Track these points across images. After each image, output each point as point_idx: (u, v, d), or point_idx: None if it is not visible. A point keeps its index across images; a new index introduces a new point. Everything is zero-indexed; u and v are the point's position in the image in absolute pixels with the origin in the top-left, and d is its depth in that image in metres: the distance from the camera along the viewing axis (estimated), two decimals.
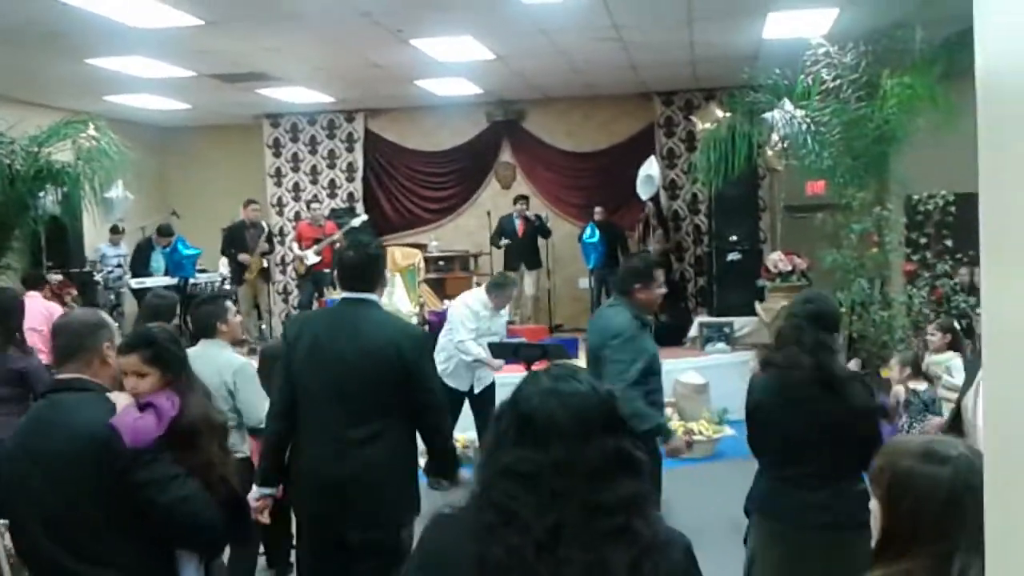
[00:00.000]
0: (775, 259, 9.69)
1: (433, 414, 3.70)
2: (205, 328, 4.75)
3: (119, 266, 11.10)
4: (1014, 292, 1.23)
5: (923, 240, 7.97)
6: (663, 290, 4.82)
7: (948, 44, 7.53)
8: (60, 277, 9.49)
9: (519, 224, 11.86)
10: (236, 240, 11.25)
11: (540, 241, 12.11)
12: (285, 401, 3.68)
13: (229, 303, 4.96)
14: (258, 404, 4.39)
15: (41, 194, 9.08)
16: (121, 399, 2.65)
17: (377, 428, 3.55)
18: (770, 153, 9.25)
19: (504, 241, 11.81)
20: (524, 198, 12.21)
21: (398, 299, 9.74)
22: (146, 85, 10.51)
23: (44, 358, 5.33)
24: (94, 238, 11.50)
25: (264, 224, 11.69)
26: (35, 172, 8.91)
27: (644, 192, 11.52)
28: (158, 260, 11.42)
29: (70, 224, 10.01)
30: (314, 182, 13.65)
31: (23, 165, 8.89)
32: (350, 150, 13.58)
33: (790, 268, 9.53)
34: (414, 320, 9.52)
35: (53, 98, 10.90)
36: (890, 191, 8.28)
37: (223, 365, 4.56)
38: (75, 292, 9.43)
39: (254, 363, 4.96)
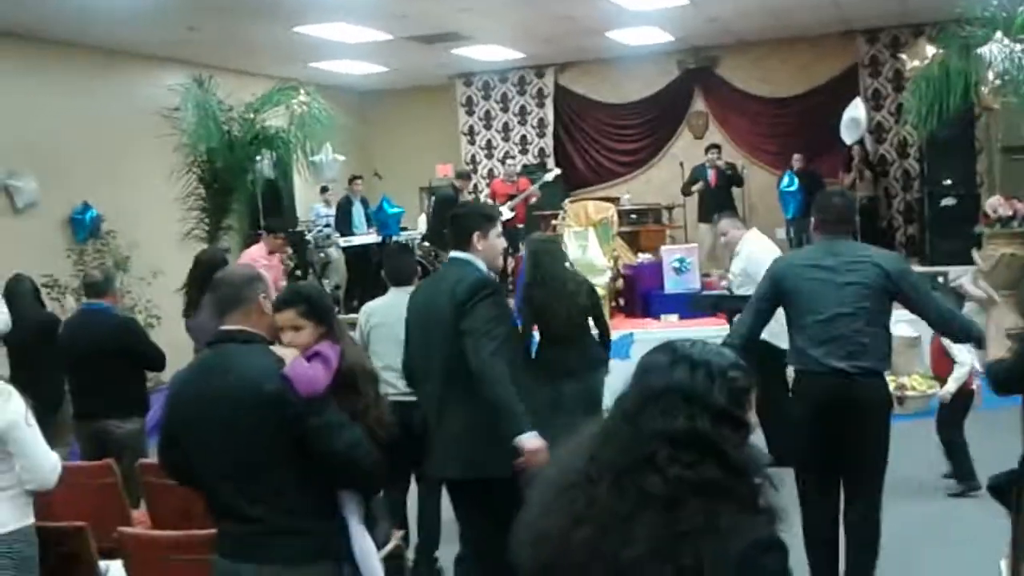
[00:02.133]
0: (994, 203, 9.06)
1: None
2: (399, 276, 4.98)
3: (328, 225, 11.61)
4: None
5: None
6: None
7: None
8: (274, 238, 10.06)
9: (711, 174, 11.60)
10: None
11: (735, 191, 11.82)
12: None
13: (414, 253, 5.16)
14: None
15: (257, 158, 9.63)
16: (287, 352, 2.73)
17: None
18: (986, 91, 8.63)
19: (696, 186, 11.61)
20: (716, 147, 11.92)
21: (592, 253, 9.73)
22: (348, 50, 10.91)
23: None
24: (304, 199, 12.11)
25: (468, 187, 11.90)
26: (251, 137, 9.46)
27: (849, 136, 11.00)
28: (359, 216, 11.87)
29: (283, 186, 10.58)
30: (506, 139, 13.83)
31: (240, 131, 9.46)
32: (540, 105, 13.65)
33: (1011, 213, 8.90)
34: (608, 275, 9.52)
35: (263, 66, 11.48)
36: None
37: None
38: (290, 251, 9.98)
39: None
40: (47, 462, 3.40)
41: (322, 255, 11.36)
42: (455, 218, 3.95)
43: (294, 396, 2.61)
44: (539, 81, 13.59)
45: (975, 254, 9.19)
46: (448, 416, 3.70)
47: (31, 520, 3.41)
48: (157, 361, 5.58)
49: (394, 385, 4.60)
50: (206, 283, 5.54)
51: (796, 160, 11.37)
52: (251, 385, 2.65)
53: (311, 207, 12.09)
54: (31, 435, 3.34)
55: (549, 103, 13.59)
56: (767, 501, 1.55)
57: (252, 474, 2.68)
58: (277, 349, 2.75)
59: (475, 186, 11.95)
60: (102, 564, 3.67)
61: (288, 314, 2.82)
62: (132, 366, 5.41)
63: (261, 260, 7.79)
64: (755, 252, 6.36)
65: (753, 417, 1.61)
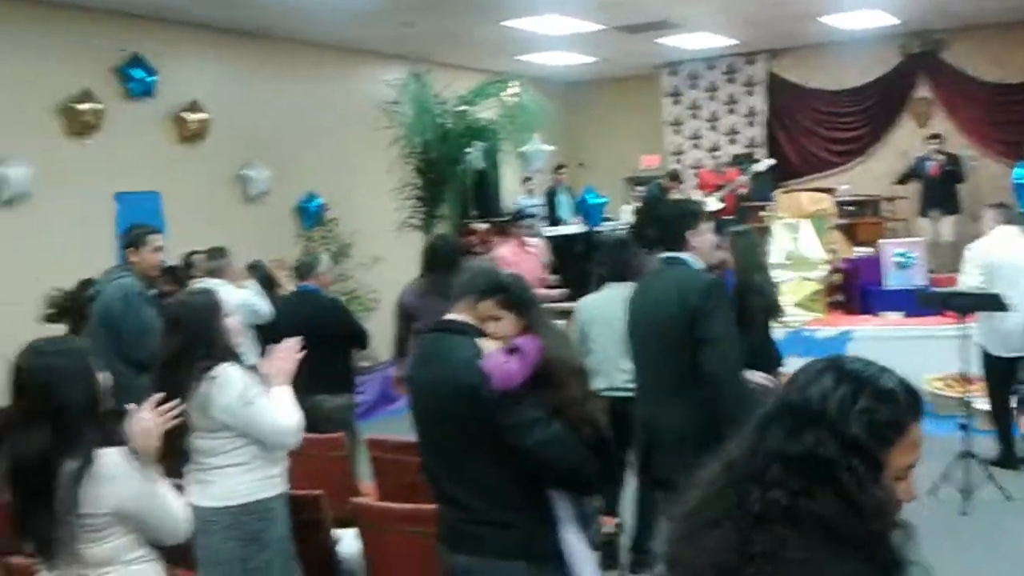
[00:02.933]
0: None
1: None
2: (617, 272, 4.93)
3: (533, 215, 11.74)
4: None
5: None
6: None
7: None
8: (486, 226, 10.29)
9: (932, 165, 10.93)
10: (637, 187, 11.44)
11: (957, 186, 11.09)
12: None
13: (633, 249, 5.07)
14: None
15: (468, 149, 9.87)
16: (488, 344, 2.72)
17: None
18: None
19: (912, 178, 10.99)
20: (937, 136, 11.24)
21: (804, 246, 9.39)
22: (556, 42, 10.99)
23: None
24: (516, 189, 12.32)
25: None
26: (464, 129, 9.71)
27: None
28: (565, 206, 11.96)
29: (492, 176, 10.80)
30: (713, 129, 13.55)
31: (453, 123, 9.72)
32: (750, 94, 13.29)
33: None
34: (823, 269, 9.17)
35: (474, 60, 11.74)
36: None
37: None
38: (499, 240, 10.16)
39: None
40: (281, 424, 3.42)
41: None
42: (663, 219, 3.91)
43: (488, 390, 2.60)
44: (749, 68, 13.23)
45: None
46: (673, 418, 3.64)
47: (266, 494, 3.45)
48: (359, 339, 5.92)
49: (611, 380, 4.59)
50: (438, 268, 5.80)
51: None
52: (450, 376, 2.69)
53: (515, 199, 12.28)
54: (254, 412, 3.36)
55: (759, 91, 13.21)
56: (889, 555, 1.39)
57: (458, 463, 2.74)
58: (480, 341, 2.75)
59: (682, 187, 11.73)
60: (335, 532, 3.87)
61: (487, 304, 2.80)
62: (338, 344, 5.67)
63: (510, 257, 7.99)
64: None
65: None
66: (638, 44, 11.53)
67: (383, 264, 9.82)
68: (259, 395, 3.38)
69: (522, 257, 7.95)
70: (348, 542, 3.82)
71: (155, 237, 5.29)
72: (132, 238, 5.30)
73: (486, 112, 10.11)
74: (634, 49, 11.86)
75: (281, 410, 3.43)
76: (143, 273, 5.24)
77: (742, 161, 11.99)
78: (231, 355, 3.46)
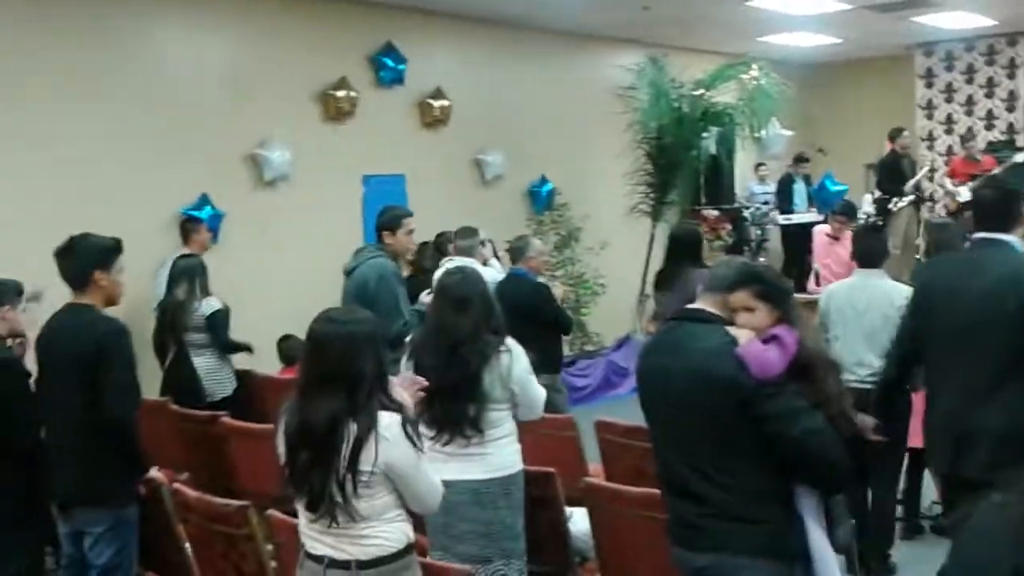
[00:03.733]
0: None
1: None
2: (869, 258, 4.79)
3: (766, 203, 11.44)
4: None
5: None
6: None
7: None
8: (716, 213, 10.12)
9: None
10: (893, 172, 10.83)
11: None
12: (904, 347, 3.67)
13: (886, 234, 4.91)
14: None
15: (704, 134, 9.72)
16: (741, 333, 2.66)
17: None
18: None
19: None
20: None
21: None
22: (801, 22, 10.60)
23: None
24: (743, 176, 12.04)
25: (912, 157, 11.15)
26: (700, 114, 9.57)
27: None
28: (800, 194, 11.56)
29: (726, 162, 10.59)
30: (968, 113, 12.64)
31: (689, 108, 9.60)
32: (1011, 77, 12.30)
33: None
34: None
35: (713, 43, 11.51)
36: None
37: (891, 294, 4.57)
38: (729, 227, 9.98)
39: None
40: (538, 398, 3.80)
41: (759, 232, 11.22)
42: (1001, 196, 3.56)
43: (747, 378, 2.56)
44: (1010, 50, 12.24)
45: None
46: (993, 418, 3.31)
47: (522, 467, 3.74)
48: (560, 326, 6.07)
49: (854, 372, 4.42)
50: (681, 257, 5.78)
51: None
52: (703, 365, 2.65)
53: (746, 185, 11.99)
54: (533, 383, 3.77)
55: (1021, 74, 12.20)
56: None
57: (705, 454, 2.68)
58: (732, 330, 2.70)
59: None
60: (567, 510, 3.94)
61: (741, 294, 2.74)
62: (541, 327, 5.75)
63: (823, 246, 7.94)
64: None
65: None
66: (888, 23, 10.91)
67: (611, 249, 9.86)
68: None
69: (836, 251, 7.77)
70: (579, 520, 3.90)
71: (409, 220, 5.51)
72: (388, 220, 5.50)
73: (723, 96, 9.92)
74: (884, 29, 11.23)
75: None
76: (396, 254, 5.50)
77: (999, 148, 11.13)
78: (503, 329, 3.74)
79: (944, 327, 3.46)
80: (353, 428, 2.62)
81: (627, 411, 4.14)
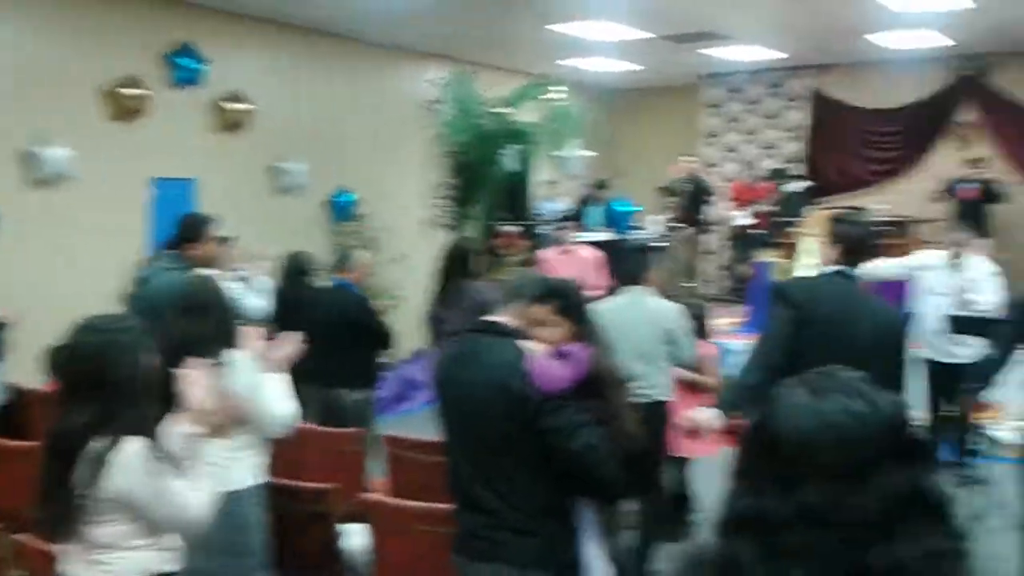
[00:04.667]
0: None
1: None
2: (633, 276, 4.91)
3: (563, 220, 11.72)
4: None
5: None
6: None
7: None
8: (515, 229, 10.27)
9: (969, 188, 10.82)
10: (672, 195, 11.41)
11: (992, 210, 10.95)
12: (773, 359, 3.64)
13: (657, 255, 5.09)
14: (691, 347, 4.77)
15: (503, 152, 9.88)
16: (535, 347, 2.69)
17: None
18: None
19: (945, 199, 10.90)
20: (979, 160, 11.12)
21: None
22: (602, 48, 10.96)
23: None
24: (543, 194, 12.30)
25: (699, 178, 11.75)
26: (502, 131, 9.72)
27: None
28: (595, 216, 11.95)
29: (524, 180, 10.79)
30: (751, 142, 13.46)
31: (493, 125, 9.74)
32: (793, 109, 13.20)
33: None
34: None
35: (517, 63, 11.73)
36: None
37: (658, 312, 4.74)
38: (527, 243, 10.15)
39: None
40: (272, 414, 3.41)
41: None
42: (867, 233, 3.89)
43: (534, 391, 2.59)
44: (794, 83, 13.14)
45: None
46: None
47: (258, 481, 3.46)
48: (382, 340, 5.89)
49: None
50: (455, 272, 5.85)
51: None
52: (495, 377, 2.67)
53: (538, 202, 12.27)
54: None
55: (803, 106, 13.12)
56: None
57: (492, 465, 2.71)
58: (527, 344, 2.72)
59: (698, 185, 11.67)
60: (343, 527, 3.89)
61: (540, 309, 2.78)
62: (362, 340, 5.71)
63: (552, 260, 8.05)
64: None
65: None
66: (684, 54, 11.49)
67: (411, 262, 9.86)
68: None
69: (564, 261, 7.99)
70: (355, 537, 3.85)
71: (214, 227, 5.02)
72: (190, 228, 4.98)
73: (526, 115, 10.13)
74: (680, 59, 11.81)
75: (276, 396, 3.41)
76: (200, 265, 5.00)
77: (777, 176, 11.91)
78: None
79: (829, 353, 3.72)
80: (97, 446, 2.48)
81: (420, 425, 4.14)
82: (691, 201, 11.36)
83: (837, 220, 3.92)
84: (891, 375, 3.38)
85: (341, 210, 10.06)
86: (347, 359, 5.67)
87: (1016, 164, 11.73)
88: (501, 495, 2.68)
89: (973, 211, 10.74)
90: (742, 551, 1.25)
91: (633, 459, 2.71)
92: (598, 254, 8.37)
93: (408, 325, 7.51)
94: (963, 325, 6.22)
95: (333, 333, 5.54)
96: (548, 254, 8.43)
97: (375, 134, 10.35)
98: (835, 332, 3.50)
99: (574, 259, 8.10)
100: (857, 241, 3.78)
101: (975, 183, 10.84)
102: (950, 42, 10.78)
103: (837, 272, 3.74)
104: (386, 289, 9.65)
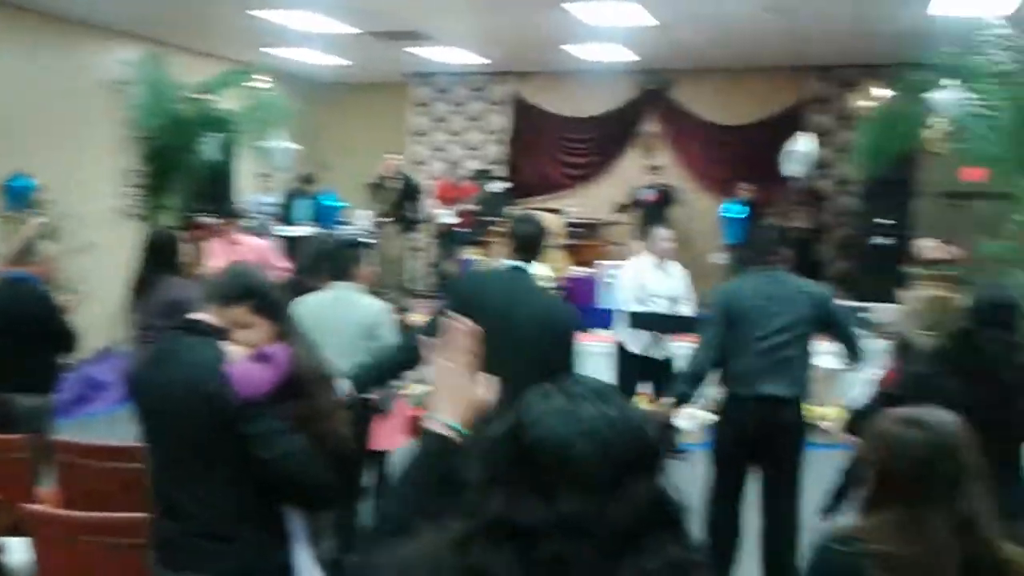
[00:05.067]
0: (926, 246, 9.31)
1: None
2: (342, 272, 4.89)
3: (269, 214, 11.48)
4: None
5: None
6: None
7: None
8: (215, 220, 9.91)
9: (651, 193, 11.76)
10: (380, 192, 11.50)
11: (672, 214, 11.97)
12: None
13: (365, 251, 5.05)
14: None
15: (203, 140, 9.48)
16: (234, 350, 2.63)
17: None
18: (932, 136, 8.85)
19: (630, 205, 11.75)
20: (658, 167, 12.12)
21: (532, 264, 9.76)
22: (306, 39, 10.81)
23: None
24: (245, 186, 11.96)
25: (406, 175, 11.91)
26: (200, 119, 9.32)
27: (791, 169, 11.22)
28: (302, 210, 11.79)
29: (226, 171, 10.45)
30: (457, 143, 13.82)
31: (189, 111, 9.32)
32: (495, 112, 13.68)
33: (942, 256, 9.15)
34: (548, 285, 9.57)
35: (218, 48, 11.32)
36: None
37: (363, 308, 4.69)
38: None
39: None
40: None
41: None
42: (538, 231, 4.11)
43: (232, 396, 2.51)
44: (497, 88, 13.62)
45: (901, 294, 9.41)
46: None
47: None
48: (64, 341, 5.41)
49: None
50: (158, 265, 5.53)
51: (744, 188, 11.55)
52: (192, 379, 2.57)
53: (251, 195, 11.96)
54: None
55: (504, 111, 13.63)
56: None
57: (192, 472, 2.61)
58: (227, 345, 2.63)
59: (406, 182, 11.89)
60: (5, 541, 3.59)
61: (238, 310, 2.67)
62: (41, 340, 5.27)
63: (218, 252, 7.70)
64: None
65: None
66: (390, 52, 11.56)
67: (99, 252, 9.24)
68: None
69: (231, 254, 7.74)
70: (17, 551, 3.56)
71: None
72: None
73: (228, 103, 9.77)
74: (386, 56, 11.88)
75: None
76: None
77: (480, 177, 12.31)
78: None
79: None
80: None
81: (104, 428, 3.90)
82: (399, 198, 11.49)
83: (514, 220, 4.17)
84: (556, 366, 3.44)
85: (17, 196, 9.22)
86: (21, 361, 5.20)
87: (691, 171, 12.86)
88: (200, 501, 2.59)
89: (656, 214, 11.66)
90: (494, 561, 1.20)
91: (341, 461, 2.68)
92: (264, 243, 8.24)
93: (94, 321, 7.03)
94: (656, 322, 6.74)
95: (6, 332, 5.09)
96: (214, 246, 8.14)
97: (59, 115, 9.57)
98: (497, 324, 3.68)
99: (240, 251, 7.87)
100: (528, 239, 4.03)
101: (656, 188, 11.77)
102: (636, 57, 11.60)
103: (513, 267, 3.96)
104: (71, 282, 8.98)
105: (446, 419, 1.67)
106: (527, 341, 3.60)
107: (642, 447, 1.25)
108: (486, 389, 1.71)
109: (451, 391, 1.69)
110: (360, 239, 10.34)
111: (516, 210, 10.84)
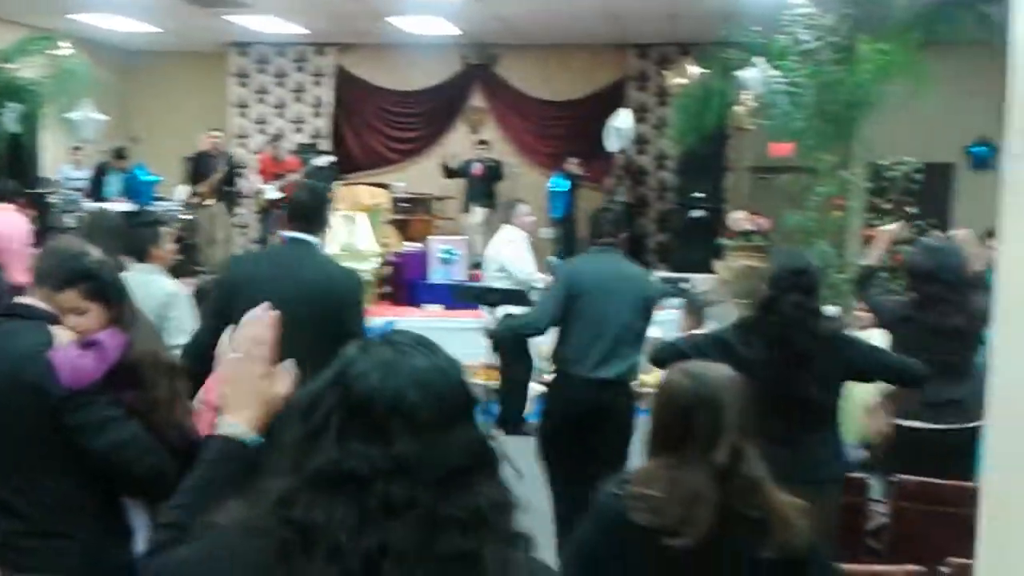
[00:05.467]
0: (737, 218, 9.78)
1: None
2: (138, 251, 4.65)
3: (79, 189, 10.88)
4: None
5: (886, 206, 8.08)
6: None
7: (927, 12, 7.59)
8: (18, 196, 9.30)
9: (477, 167, 11.83)
10: (199, 169, 11.11)
11: (499, 187, 12.08)
12: (202, 341, 3.55)
13: (165, 229, 4.80)
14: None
15: (3, 110, 8.89)
16: (63, 336, 2.46)
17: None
18: (741, 112, 9.29)
19: (457, 176, 11.83)
20: (485, 142, 12.20)
21: (359, 238, 9.67)
22: (115, 5, 10.26)
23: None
24: (55, 159, 11.28)
25: (228, 153, 11.55)
26: None
27: (612, 144, 11.53)
28: (114, 185, 11.24)
29: (29, 143, 9.82)
30: (280, 116, 13.46)
31: None
32: (319, 84, 13.40)
33: (753, 228, 9.63)
34: (376, 261, 9.51)
35: (17, 13, 10.59)
36: (857, 156, 8.38)
37: (156, 289, 4.39)
38: (35, 213, 9.24)
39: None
40: None
41: (69, 221, 10.62)
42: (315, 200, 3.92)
43: (57, 386, 2.35)
44: (319, 59, 13.33)
45: (716, 264, 9.87)
46: None
47: None
48: None
49: None
50: None
51: (570, 163, 11.77)
52: (13, 369, 2.40)
53: (59, 168, 11.28)
54: None
55: (328, 83, 13.37)
56: None
57: (19, 466, 2.44)
58: (56, 331, 2.45)
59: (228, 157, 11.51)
60: None
61: (69, 294, 2.49)
62: None
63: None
64: (512, 249, 6.79)
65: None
66: (205, 19, 11.12)
67: None
68: None
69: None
70: None
71: None
72: None
73: (28, 72, 9.17)
74: (202, 24, 11.43)
75: None
76: None
77: (305, 151, 12.05)
78: None
79: None
80: None
81: None
82: (222, 176, 11.12)
83: (297, 190, 4.07)
84: (347, 332, 3.33)
85: None
86: None
87: (518, 146, 13.02)
88: (30, 498, 2.43)
89: (483, 188, 11.74)
90: (322, 512, 1.23)
91: (181, 450, 2.49)
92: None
93: None
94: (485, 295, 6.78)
95: None
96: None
97: None
98: (262, 296, 3.59)
99: None
100: (302, 208, 3.90)
101: (482, 162, 11.84)
102: (460, 31, 11.62)
103: (291, 240, 3.86)
104: None
105: (234, 422, 1.59)
106: (310, 313, 3.50)
107: (467, 394, 1.34)
108: (283, 383, 1.62)
109: (242, 388, 1.61)
110: (158, 217, 9.95)
111: (341, 185, 10.71)
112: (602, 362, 4.34)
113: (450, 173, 11.93)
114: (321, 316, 3.54)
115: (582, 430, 4.33)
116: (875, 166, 8.43)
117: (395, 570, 1.22)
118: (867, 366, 3.56)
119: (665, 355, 3.50)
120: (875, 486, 3.87)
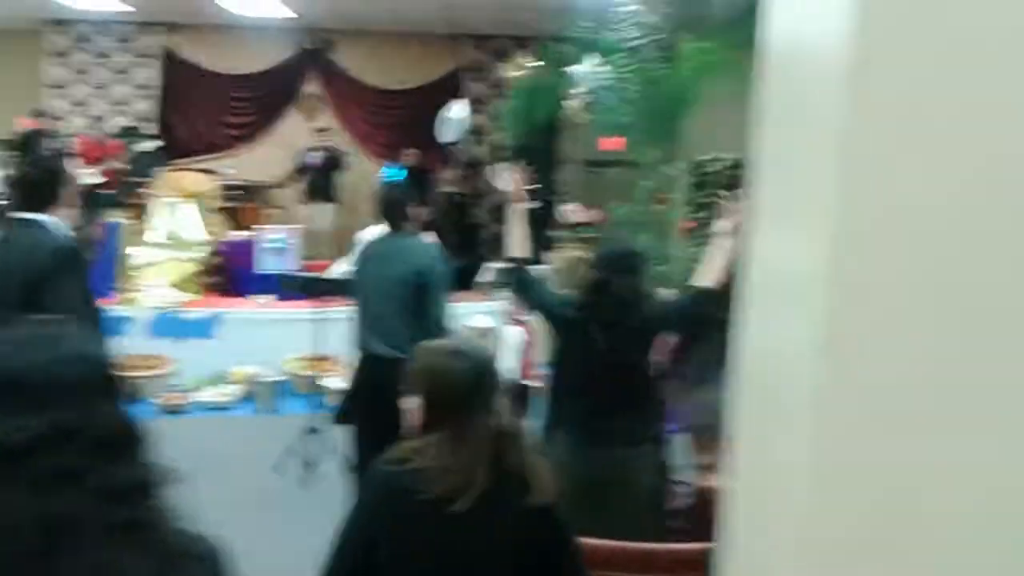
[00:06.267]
0: (569, 210, 9.97)
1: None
2: None
3: None
4: (783, 242, 1.51)
5: (704, 200, 8.37)
6: None
7: (750, 12, 7.89)
8: None
9: (316, 157, 11.64)
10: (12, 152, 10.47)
11: (339, 178, 11.93)
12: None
13: None
14: None
15: None
16: None
17: None
18: (573, 106, 9.45)
19: (300, 168, 11.59)
20: (324, 130, 12.00)
21: (185, 226, 9.34)
22: None
23: None
24: None
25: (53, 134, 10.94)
26: None
27: (444, 135, 11.54)
28: None
29: None
30: (102, 97, 12.82)
31: None
32: (145, 66, 12.83)
33: (582, 220, 9.84)
34: (204, 250, 9.22)
35: None
36: (680, 152, 8.66)
37: None
38: None
39: None
40: None
41: None
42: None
43: None
44: (144, 40, 12.76)
45: (547, 255, 10.03)
46: None
47: None
48: None
49: None
50: None
51: (407, 154, 11.70)
52: None
53: None
54: None
55: (154, 64, 12.81)
56: None
57: None
58: None
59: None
60: None
61: None
62: None
63: None
64: None
65: None
66: None
67: None
68: None
69: None
70: None
71: None
72: None
73: None
74: (18, 1, 10.74)
75: None
76: None
77: (129, 134, 11.54)
78: None
79: None
80: None
81: None
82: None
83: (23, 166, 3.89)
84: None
85: None
86: None
87: (354, 135, 12.85)
88: None
89: (323, 178, 11.56)
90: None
91: None
92: None
93: None
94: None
95: None
96: None
97: None
98: None
99: None
100: (35, 186, 3.72)
101: (321, 151, 11.64)
102: (294, 14, 11.36)
103: (17, 220, 3.69)
104: None
105: None
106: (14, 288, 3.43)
107: (105, 371, 1.38)
108: None
109: None
110: None
111: (168, 171, 10.31)
112: (373, 338, 4.48)
113: (297, 171, 11.73)
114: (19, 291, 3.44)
115: (366, 407, 4.48)
116: (696, 162, 8.72)
117: (79, 541, 1.22)
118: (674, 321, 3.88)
119: (525, 287, 3.99)
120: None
